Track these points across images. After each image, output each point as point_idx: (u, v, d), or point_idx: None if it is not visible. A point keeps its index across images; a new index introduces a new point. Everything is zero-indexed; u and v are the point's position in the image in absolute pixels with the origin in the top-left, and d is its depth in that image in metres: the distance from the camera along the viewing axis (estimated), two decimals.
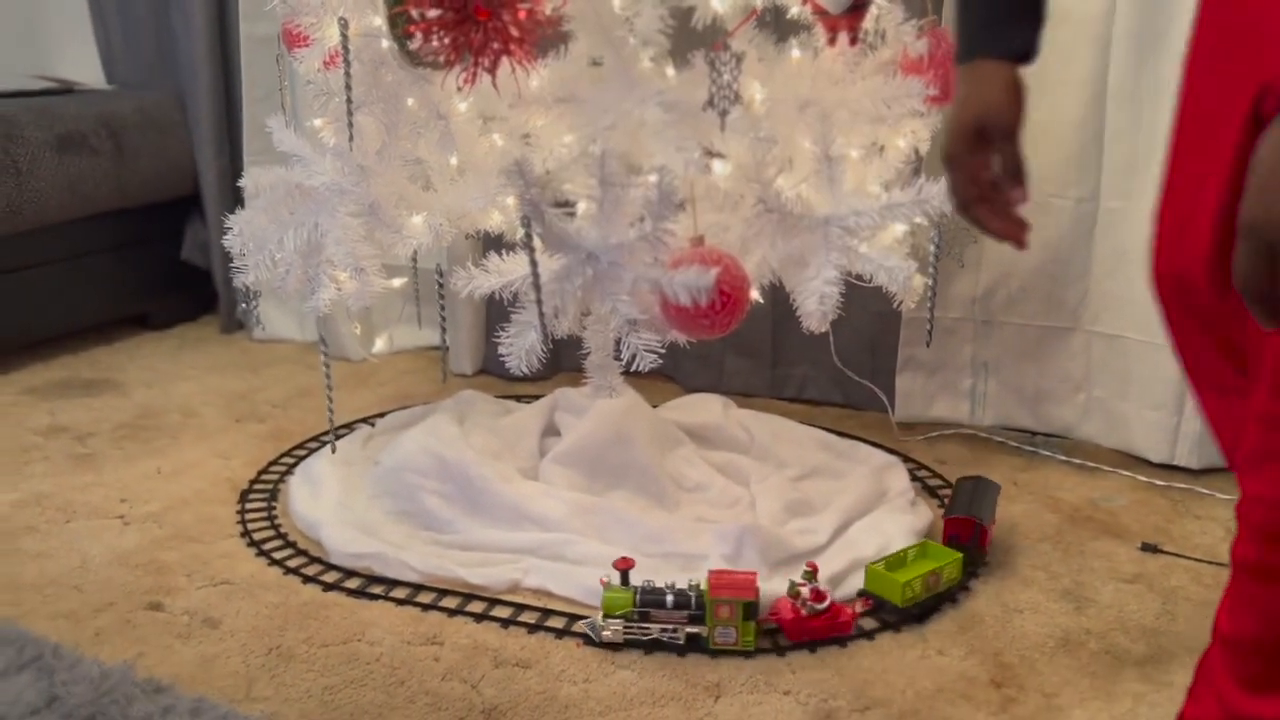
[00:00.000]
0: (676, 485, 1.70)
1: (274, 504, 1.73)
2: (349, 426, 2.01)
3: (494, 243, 1.53)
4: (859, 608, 1.41)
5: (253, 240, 1.52)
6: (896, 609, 1.39)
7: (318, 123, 1.45)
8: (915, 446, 1.97)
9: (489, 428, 1.84)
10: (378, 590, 1.47)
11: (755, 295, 1.35)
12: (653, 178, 1.20)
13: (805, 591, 1.36)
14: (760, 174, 1.35)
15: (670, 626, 1.34)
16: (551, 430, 1.85)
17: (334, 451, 1.78)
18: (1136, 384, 1.87)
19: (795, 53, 1.47)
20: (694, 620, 1.34)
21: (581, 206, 1.38)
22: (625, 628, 1.34)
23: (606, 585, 1.37)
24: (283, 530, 1.64)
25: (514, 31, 1.22)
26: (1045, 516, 1.71)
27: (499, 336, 1.32)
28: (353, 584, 1.49)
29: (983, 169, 0.89)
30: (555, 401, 1.88)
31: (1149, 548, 1.61)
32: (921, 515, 1.65)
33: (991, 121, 0.87)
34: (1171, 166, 0.85)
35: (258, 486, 1.79)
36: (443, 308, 1.78)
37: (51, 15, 2.85)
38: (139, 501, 1.73)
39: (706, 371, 2.22)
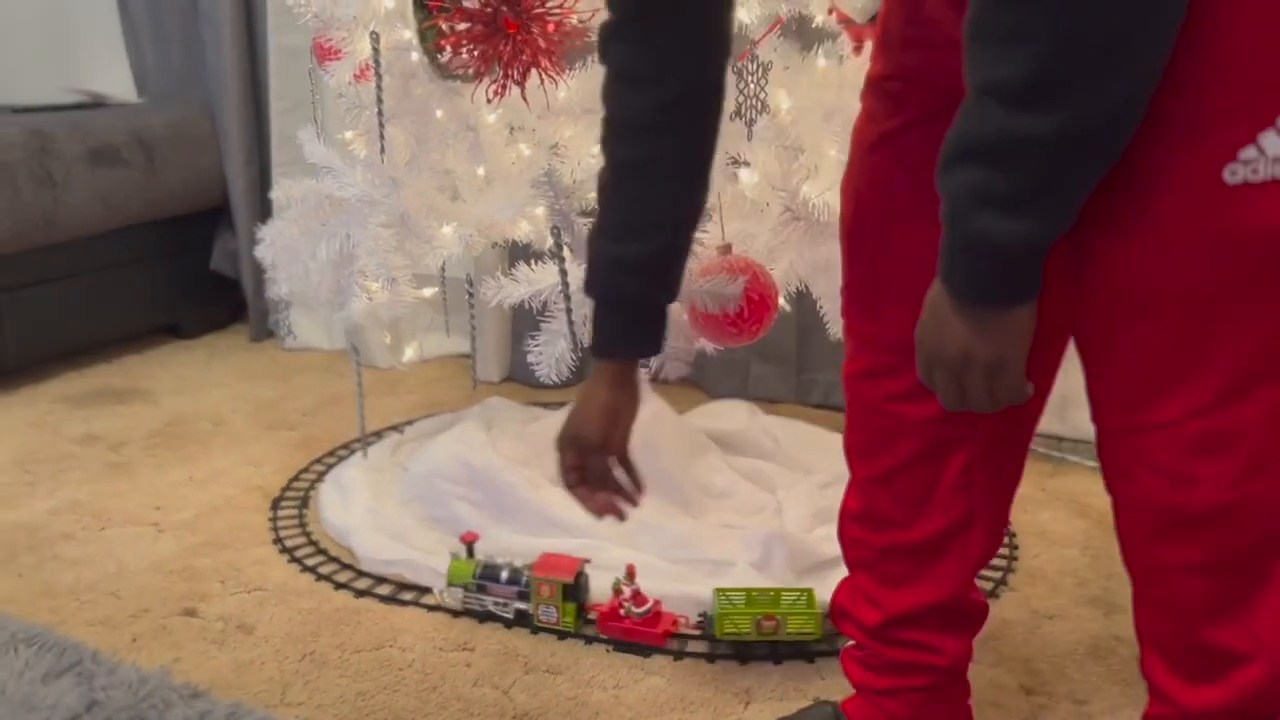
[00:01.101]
0: (703, 492, 1.71)
1: (305, 511, 1.75)
2: (379, 434, 2.03)
3: (521, 252, 1.55)
4: (685, 623, 1.38)
5: (285, 251, 1.54)
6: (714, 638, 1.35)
7: (349, 135, 1.47)
8: None
9: (517, 434, 1.85)
10: (408, 596, 1.49)
11: (782, 303, 1.36)
12: None
13: (628, 592, 1.38)
14: (786, 182, 1.36)
15: (502, 600, 1.41)
16: None
17: (365, 457, 1.80)
18: None
19: (821, 61, 1.48)
20: (522, 597, 1.41)
21: None
22: (465, 597, 1.43)
23: (455, 556, 1.46)
24: (314, 537, 1.66)
25: (542, 44, 1.23)
26: (1074, 523, 1.71)
27: (527, 345, 1.33)
28: (384, 590, 1.50)
29: (573, 468, 1.05)
30: None
31: None
32: None
33: (580, 437, 1.03)
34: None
35: (289, 494, 1.81)
36: (472, 316, 1.80)
37: (84, 29, 2.89)
38: (172, 509, 1.76)
39: (731, 378, 2.23)
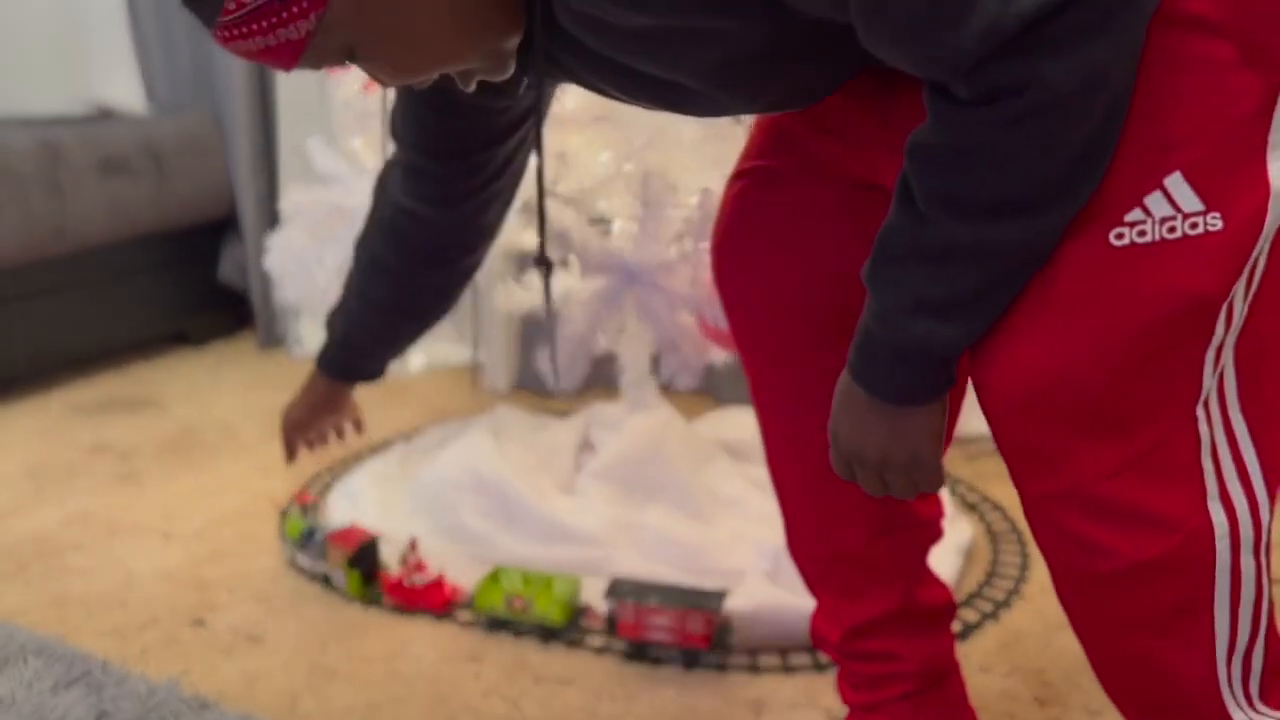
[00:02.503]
0: (713, 500, 1.70)
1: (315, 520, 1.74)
2: (387, 443, 2.03)
3: (528, 260, 1.54)
4: (464, 596, 1.48)
5: (293, 260, 1.54)
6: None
7: (357, 144, 1.47)
8: (954, 461, 1.96)
9: (525, 444, 1.85)
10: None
11: None
12: (694, 199, 1.21)
13: (411, 560, 1.47)
14: None
15: (311, 561, 1.55)
16: (587, 446, 1.85)
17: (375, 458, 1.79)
18: None
19: None
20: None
21: (618, 224, 1.39)
22: (295, 555, 1.57)
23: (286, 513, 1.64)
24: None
25: None
26: None
27: (537, 354, 1.33)
28: (393, 600, 1.49)
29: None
30: (591, 417, 1.89)
31: None
32: (961, 531, 1.64)
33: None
34: None
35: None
36: (475, 327, 1.80)
37: (94, 40, 2.91)
38: (181, 518, 1.75)
39: (740, 385, 2.21)
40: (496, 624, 1.42)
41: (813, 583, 1.08)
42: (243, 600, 1.50)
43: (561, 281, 1.31)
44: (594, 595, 1.43)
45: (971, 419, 2.11)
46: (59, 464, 1.98)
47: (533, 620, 1.40)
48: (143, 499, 1.83)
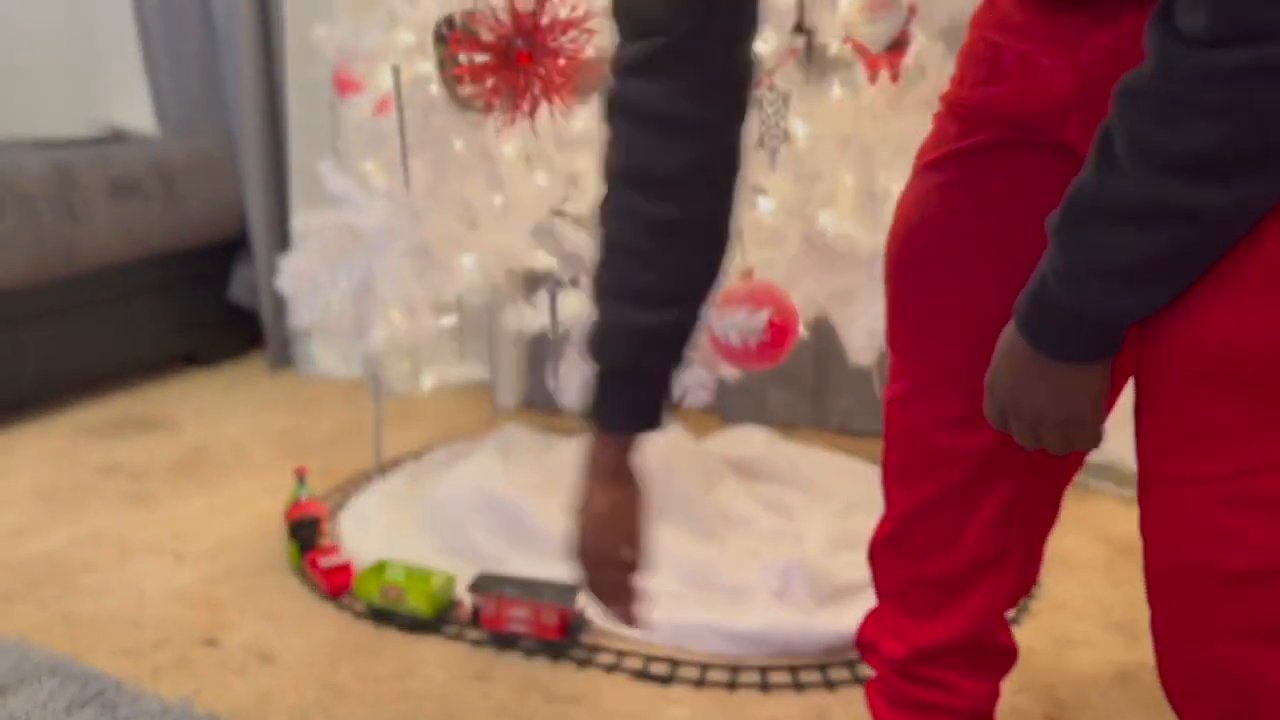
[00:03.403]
0: (722, 519, 1.70)
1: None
2: (397, 462, 2.04)
3: (539, 280, 1.55)
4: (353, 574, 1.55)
5: (305, 282, 1.56)
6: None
7: (369, 166, 1.48)
8: None
9: (534, 463, 1.85)
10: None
11: (801, 330, 1.36)
12: None
13: (325, 543, 1.60)
14: (803, 210, 1.36)
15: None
16: None
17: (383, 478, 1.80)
18: None
19: (836, 90, 1.49)
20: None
21: None
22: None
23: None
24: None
25: (555, 78, 1.24)
26: (1096, 549, 1.70)
27: (547, 372, 1.34)
28: (403, 620, 1.50)
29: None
30: None
31: None
32: None
33: (591, 557, 0.95)
34: None
35: None
36: (491, 347, 1.81)
37: (105, 62, 2.94)
38: (192, 538, 1.76)
39: (749, 403, 2.23)
40: (421, 625, 1.46)
41: (885, 592, 1.03)
42: (254, 620, 1.50)
43: (573, 302, 1.32)
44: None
45: None
46: (70, 484, 1.99)
47: (405, 611, 1.45)
48: (154, 519, 1.84)
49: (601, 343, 0.90)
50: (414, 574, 1.48)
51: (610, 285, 0.89)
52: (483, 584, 1.43)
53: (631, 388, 0.90)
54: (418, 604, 1.45)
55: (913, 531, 0.97)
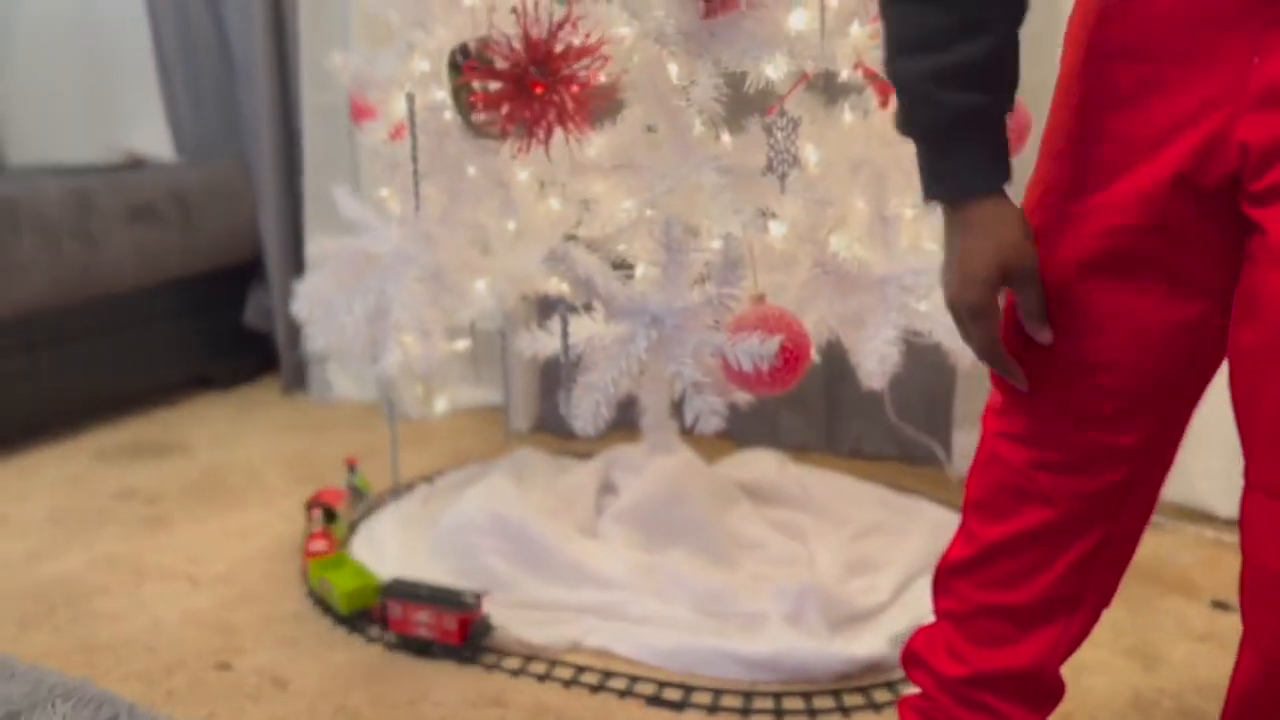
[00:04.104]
0: (734, 543, 1.70)
1: None
2: (410, 486, 2.04)
3: (552, 304, 1.56)
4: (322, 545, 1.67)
5: (320, 306, 1.57)
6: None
7: (384, 192, 1.50)
8: None
9: (546, 486, 1.86)
10: (440, 650, 1.48)
11: (813, 354, 1.36)
12: (716, 243, 1.23)
13: (315, 530, 1.70)
14: (815, 235, 1.37)
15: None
16: (608, 488, 1.86)
17: (398, 502, 1.81)
18: (1200, 436, 1.84)
19: (847, 116, 1.50)
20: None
21: (640, 269, 1.40)
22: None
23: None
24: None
25: (570, 105, 1.26)
26: None
27: (560, 397, 1.34)
28: (416, 644, 1.50)
29: (998, 317, 0.88)
30: (612, 459, 1.90)
31: (1220, 605, 1.58)
32: None
33: (1017, 264, 0.85)
34: None
35: None
36: (505, 372, 1.82)
37: (123, 90, 2.98)
38: (207, 562, 1.77)
39: (761, 427, 2.22)
40: (421, 647, 1.49)
41: (952, 613, 1.01)
42: (268, 644, 1.51)
43: (585, 326, 1.32)
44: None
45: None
46: (86, 508, 2.00)
47: (331, 601, 1.57)
48: (169, 543, 1.85)
49: (914, 105, 0.84)
50: (348, 573, 1.59)
51: (901, 43, 0.84)
52: (393, 589, 1.50)
53: (982, 132, 0.83)
54: (339, 600, 1.54)
55: (995, 562, 0.96)
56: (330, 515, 1.77)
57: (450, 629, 1.45)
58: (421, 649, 1.47)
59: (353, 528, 1.85)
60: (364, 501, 1.92)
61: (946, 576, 1.02)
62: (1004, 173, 0.85)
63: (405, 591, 1.49)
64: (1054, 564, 0.94)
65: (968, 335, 0.88)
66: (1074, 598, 0.96)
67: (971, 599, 0.99)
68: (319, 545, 1.67)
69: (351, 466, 1.89)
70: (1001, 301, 0.88)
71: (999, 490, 0.96)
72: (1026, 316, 0.88)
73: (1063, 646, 0.98)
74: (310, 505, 1.77)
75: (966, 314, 0.87)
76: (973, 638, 0.98)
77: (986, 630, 0.98)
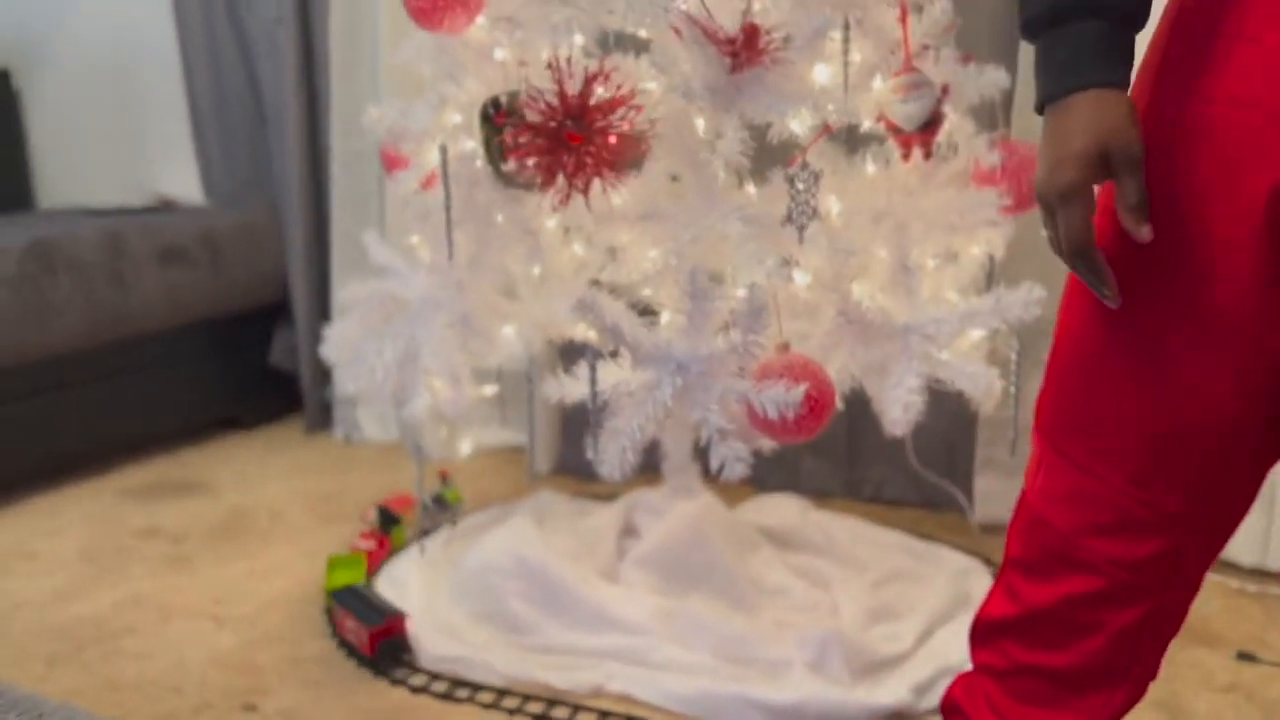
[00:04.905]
0: (756, 589, 1.70)
1: None
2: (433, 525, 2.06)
3: (575, 348, 1.58)
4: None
5: (350, 350, 1.59)
6: None
7: (414, 239, 1.53)
8: (997, 549, 1.95)
9: (568, 529, 1.87)
10: (464, 694, 1.49)
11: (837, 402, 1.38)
12: (741, 292, 1.25)
13: (364, 529, 1.89)
14: (838, 284, 1.39)
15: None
16: (630, 531, 1.87)
17: (422, 553, 1.82)
18: None
19: (869, 167, 1.52)
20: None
21: (666, 317, 1.42)
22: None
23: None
24: None
25: (605, 155, 1.28)
26: None
27: (586, 443, 1.36)
28: (440, 687, 1.51)
29: (1091, 206, 0.81)
30: (633, 503, 1.91)
31: (1245, 656, 1.57)
32: None
33: (1119, 146, 0.78)
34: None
35: None
36: (532, 415, 1.84)
37: (155, 133, 3.04)
38: (232, 603, 1.78)
39: (782, 472, 2.23)
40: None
41: (993, 669, 0.99)
42: (293, 686, 1.52)
43: (612, 372, 1.34)
44: None
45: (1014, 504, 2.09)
46: (113, 547, 2.02)
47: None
48: (194, 583, 1.86)
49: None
50: (344, 572, 1.76)
51: None
52: (339, 595, 1.67)
53: (1090, 22, 0.80)
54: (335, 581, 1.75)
55: (1039, 624, 0.94)
56: (390, 520, 1.87)
57: (363, 640, 1.57)
58: (354, 654, 1.60)
59: (424, 534, 1.97)
60: (449, 513, 2.01)
61: (987, 631, 1.00)
62: (1115, 67, 0.80)
63: (346, 600, 1.65)
64: (1100, 632, 0.91)
65: (1054, 227, 0.82)
66: (1120, 669, 0.93)
67: (1014, 657, 0.96)
68: (362, 544, 1.82)
69: (444, 477, 2.05)
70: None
71: (1044, 553, 0.93)
72: (1125, 209, 0.80)
73: (1109, 713, 0.95)
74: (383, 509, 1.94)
75: (1056, 198, 0.80)
76: (1014, 694, 0.96)
77: (1029, 689, 0.96)
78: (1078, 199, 0.79)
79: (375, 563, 1.87)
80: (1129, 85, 0.82)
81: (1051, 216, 0.82)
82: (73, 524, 2.14)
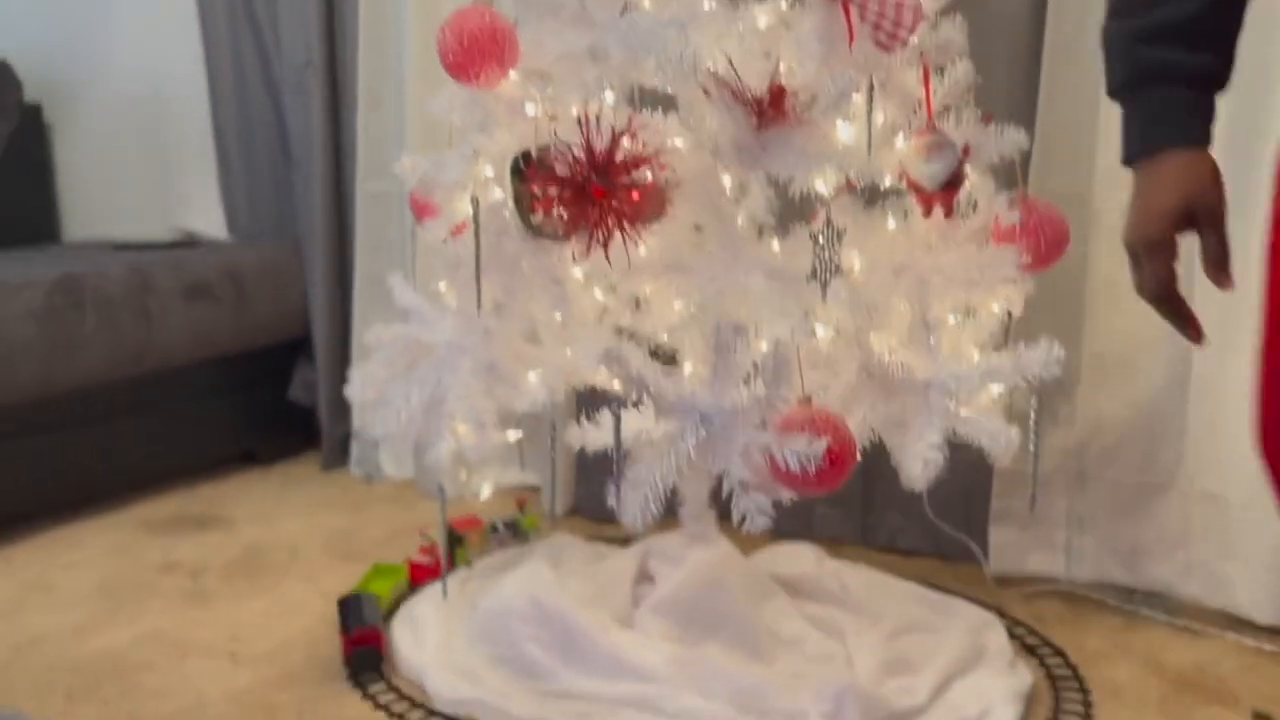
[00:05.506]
0: (772, 638, 1.71)
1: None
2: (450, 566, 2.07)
3: (598, 397, 1.60)
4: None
5: (375, 392, 1.62)
6: None
7: (442, 286, 1.55)
8: (1012, 602, 1.96)
9: (584, 574, 1.88)
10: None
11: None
12: (765, 345, 1.27)
13: (424, 545, 1.96)
14: (860, 338, 1.41)
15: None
16: (645, 577, 1.87)
17: (445, 596, 1.83)
18: (1239, 544, 1.84)
19: (890, 222, 1.55)
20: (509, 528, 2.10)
21: (689, 368, 1.45)
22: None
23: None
24: (387, 673, 1.68)
25: (629, 209, 1.31)
26: (1149, 681, 1.68)
27: (609, 490, 1.37)
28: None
29: (1175, 256, 0.88)
30: (649, 548, 1.91)
31: (1261, 716, 1.57)
32: (1021, 676, 1.63)
33: (1203, 204, 0.85)
34: (1266, 344, 0.89)
35: None
36: (553, 458, 1.87)
37: (182, 172, 3.10)
38: (249, 640, 1.79)
39: (796, 519, 2.23)
40: None
41: None
42: None
43: (634, 421, 1.36)
44: None
45: (1030, 556, 2.10)
46: (131, 581, 2.04)
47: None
48: (211, 619, 1.88)
49: (1121, 64, 0.88)
50: (375, 580, 1.89)
51: (1117, 11, 0.90)
52: (346, 600, 1.77)
53: (1176, 87, 0.86)
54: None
55: None
56: (456, 540, 1.96)
57: (344, 646, 1.70)
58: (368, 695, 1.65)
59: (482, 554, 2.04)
60: (520, 539, 2.06)
61: None
62: (1199, 129, 0.86)
63: (348, 604, 1.76)
64: None
65: (1141, 274, 0.88)
66: None
67: None
68: (419, 558, 1.93)
69: (521, 505, 2.11)
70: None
71: None
72: (1207, 263, 0.86)
73: None
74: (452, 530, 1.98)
75: (1143, 248, 0.87)
76: None
77: None
78: (1163, 250, 0.86)
79: (424, 578, 1.96)
80: (1210, 142, 0.87)
81: (1138, 264, 0.87)
82: (92, 557, 2.16)
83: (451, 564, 1.92)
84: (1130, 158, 0.88)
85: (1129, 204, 0.87)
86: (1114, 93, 0.90)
